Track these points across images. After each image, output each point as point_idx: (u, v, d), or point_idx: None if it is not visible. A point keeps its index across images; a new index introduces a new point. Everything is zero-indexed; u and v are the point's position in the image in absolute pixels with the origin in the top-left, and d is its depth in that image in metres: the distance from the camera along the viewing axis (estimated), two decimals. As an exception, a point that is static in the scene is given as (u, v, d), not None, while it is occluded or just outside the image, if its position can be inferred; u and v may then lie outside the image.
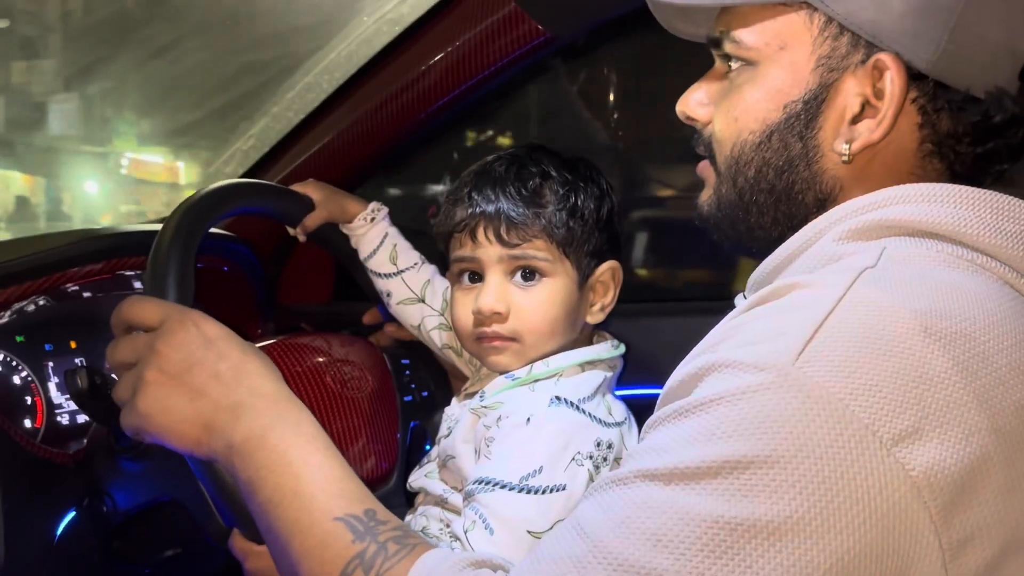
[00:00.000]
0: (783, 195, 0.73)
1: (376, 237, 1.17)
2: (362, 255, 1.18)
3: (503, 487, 0.83)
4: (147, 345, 0.75)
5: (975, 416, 0.54)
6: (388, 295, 1.18)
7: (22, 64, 6.14)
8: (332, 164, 1.40)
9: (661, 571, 0.52)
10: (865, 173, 0.71)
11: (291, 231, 1.17)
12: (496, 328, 0.93)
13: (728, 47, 0.74)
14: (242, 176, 1.47)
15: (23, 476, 0.92)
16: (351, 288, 1.33)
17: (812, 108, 0.70)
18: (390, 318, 1.22)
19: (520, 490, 0.82)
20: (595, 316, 0.96)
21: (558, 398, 0.88)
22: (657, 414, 0.62)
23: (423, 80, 1.32)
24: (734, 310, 0.66)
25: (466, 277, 0.96)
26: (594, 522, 0.57)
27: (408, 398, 1.15)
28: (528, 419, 0.87)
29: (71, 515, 0.96)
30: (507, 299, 0.92)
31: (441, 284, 1.16)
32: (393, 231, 1.18)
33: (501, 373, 0.96)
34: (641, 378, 1.08)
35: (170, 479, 0.92)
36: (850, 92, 0.69)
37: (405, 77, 1.33)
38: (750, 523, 0.52)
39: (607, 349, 0.97)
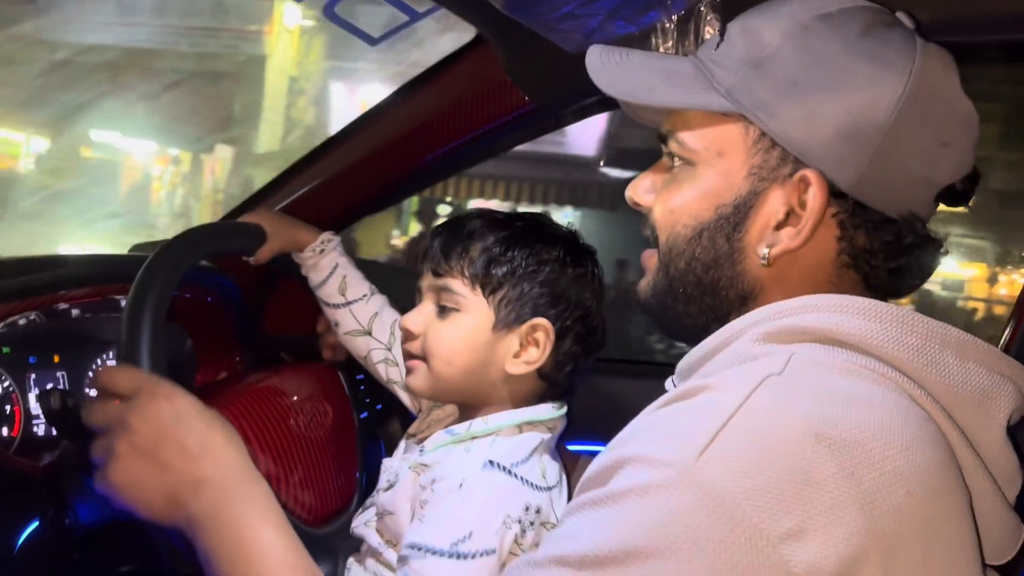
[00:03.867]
0: (709, 289, 0.79)
1: (326, 267, 1.20)
2: (312, 284, 1.21)
3: (434, 553, 0.86)
4: (119, 417, 0.79)
5: (855, 518, 0.59)
6: (336, 325, 1.21)
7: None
8: (322, 204, 1.46)
9: None
10: (784, 277, 0.76)
11: (248, 260, 1.20)
12: (409, 346, 1.00)
13: (672, 146, 0.80)
14: (235, 210, 1.54)
15: (-7, 484, 0.97)
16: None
17: (741, 212, 0.76)
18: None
19: (451, 556, 0.86)
20: (515, 366, 0.98)
21: (491, 462, 0.92)
22: (575, 500, 0.67)
23: (414, 135, 1.38)
24: (653, 403, 0.71)
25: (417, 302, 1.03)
26: None
27: (364, 414, 1.21)
28: (461, 484, 0.90)
29: (34, 525, 1.01)
30: (426, 322, 0.99)
31: (390, 317, 1.19)
32: (344, 261, 1.21)
33: (415, 395, 1.04)
34: (587, 434, 1.12)
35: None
36: (776, 201, 0.75)
37: (397, 131, 1.40)
38: None
39: (547, 410, 0.99)
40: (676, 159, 0.81)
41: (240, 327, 1.44)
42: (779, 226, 0.75)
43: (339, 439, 1.18)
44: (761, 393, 0.64)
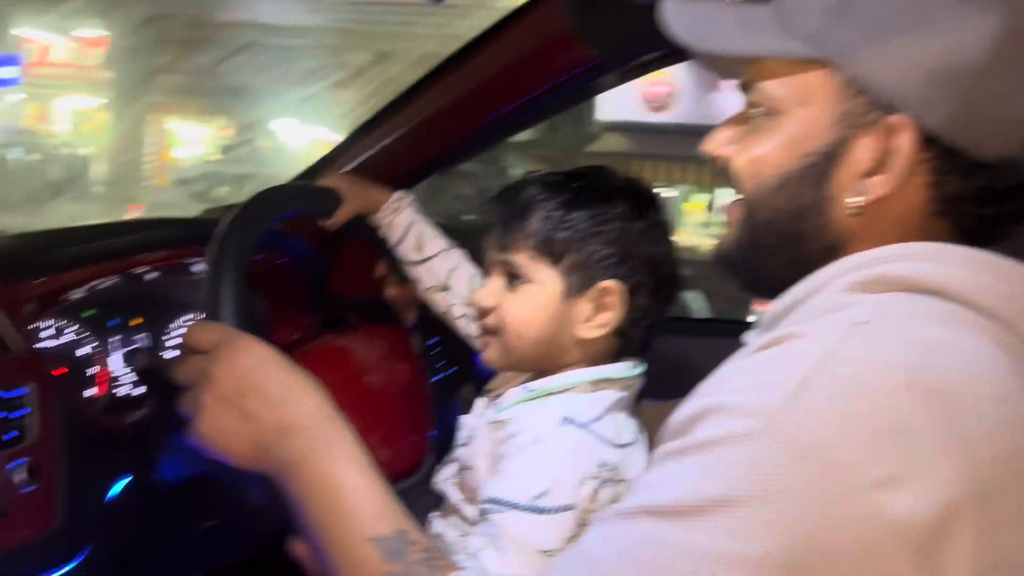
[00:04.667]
0: (794, 240, 0.76)
1: (401, 225, 1.22)
2: (389, 244, 1.23)
3: (514, 507, 0.86)
4: (202, 369, 0.80)
5: (950, 466, 0.57)
6: (417, 282, 1.23)
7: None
8: (390, 165, 1.45)
9: None
10: (873, 226, 0.73)
11: (324, 224, 1.22)
12: (483, 321, 0.99)
13: (753, 96, 0.77)
14: (305, 173, 1.55)
15: (85, 443, 1.00)
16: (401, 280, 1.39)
17: (828, 161, 0.73)
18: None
19: (531, 510, 0.85)
20: (588, 331, 0.96)
21: (566, 418, 0.91)
22: (661, 448, 0.66)
23: (480, 92, 1.37)
24: (738, 352, 0.70)
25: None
26: (600, 555, 0.62)
27: (438, 377, 1.21)
28: (536, 439, 0.90)
29: (122, 482, 1.04)
30: (497, 297, 0.98)
31: (468, 271, 1.21)
32: (419, 219, 1.23)
33: (499, 370, 1.03)
34: (658, 395, 1.12)
35: (215, 457, 1.00)
36: (864, 148, 0.72)
37: (463, 88, 1.39)
38: (740, 559, 0.56)
39: (622, 369, 0.98)
40: (757, 109, 0.78)
41: (311, 288, 1.45)
42: (868, 174, 0.72)
43: (413, 398, 1.19)
44: (850, 340, 0.62)
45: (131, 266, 1.20)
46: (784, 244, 0.77)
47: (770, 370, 0.63)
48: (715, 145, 0.82)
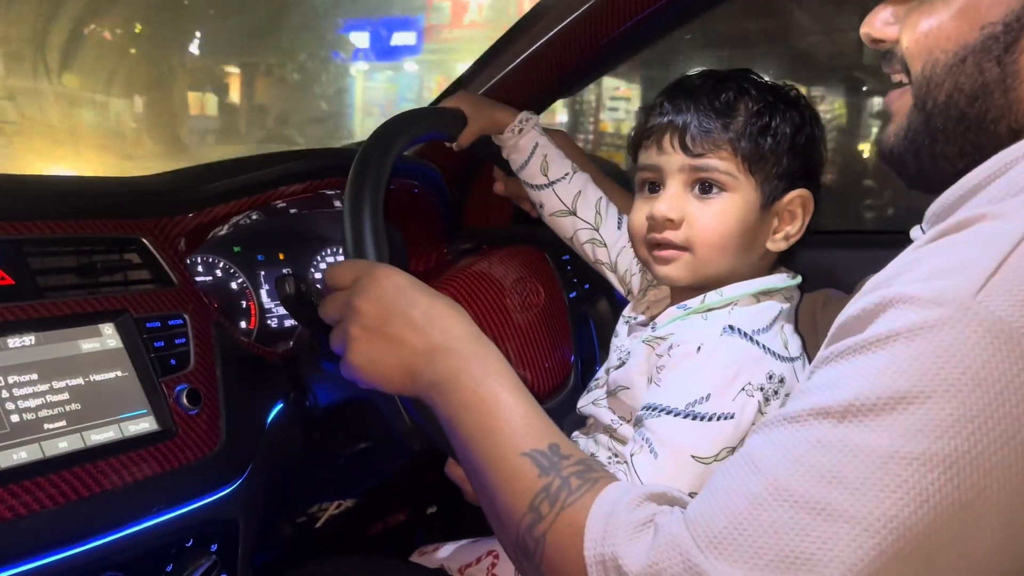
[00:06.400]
0: (974, 123, 0.69)
1: (526, 147, 1.18)
2: (514, 167, 1.20)
3: (669, 412, 0.84)
4: (345, 303, 0.82)
5: None
6: (541, 207, 1.19)
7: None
8: (523, 84, 1.41)
9: (837, 506, 0.53)
10: None
11: (448, 145, 1.20)
12: (668, 235, 0.92)
13: None
14: (435, 100, 1.54)
15: (241, 369, 1.03)
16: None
17: (1013, 30, 0.66)
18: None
19: (686, 416, 0.83)
20: (777, 244, 0.93)
21: (731, 327, 0.87)
22: (829, 349, 0.61)
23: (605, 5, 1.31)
24: (914, 243, 0.63)
25: (647, 187, 0.96)
26: (768, 459, 0.58)
27: (573, 294, 1.20)
28: (699, 347, 0.87)
29: (279, 407, 1.08)
30: (683, 208, 0.91)
31: (594, 195, 1.17)
32: (544, 141, 1.19)
33: (669, 286, 0.99)
34: None
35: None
36: None
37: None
38: (926, 457, 0.52)
39: (782, 279, 0.95)
40: None
41: (445, 217, 1.45)
42: None
43: (552, 318, 1.18)
44: None
45: (273, 199, 1.22)
46: (962, 129, 0.70)
47: (959, 254, 0.57)
48: (874, 27, 0.75)
